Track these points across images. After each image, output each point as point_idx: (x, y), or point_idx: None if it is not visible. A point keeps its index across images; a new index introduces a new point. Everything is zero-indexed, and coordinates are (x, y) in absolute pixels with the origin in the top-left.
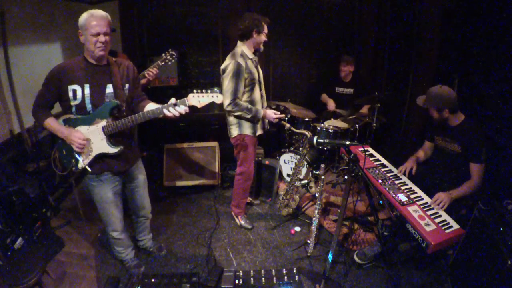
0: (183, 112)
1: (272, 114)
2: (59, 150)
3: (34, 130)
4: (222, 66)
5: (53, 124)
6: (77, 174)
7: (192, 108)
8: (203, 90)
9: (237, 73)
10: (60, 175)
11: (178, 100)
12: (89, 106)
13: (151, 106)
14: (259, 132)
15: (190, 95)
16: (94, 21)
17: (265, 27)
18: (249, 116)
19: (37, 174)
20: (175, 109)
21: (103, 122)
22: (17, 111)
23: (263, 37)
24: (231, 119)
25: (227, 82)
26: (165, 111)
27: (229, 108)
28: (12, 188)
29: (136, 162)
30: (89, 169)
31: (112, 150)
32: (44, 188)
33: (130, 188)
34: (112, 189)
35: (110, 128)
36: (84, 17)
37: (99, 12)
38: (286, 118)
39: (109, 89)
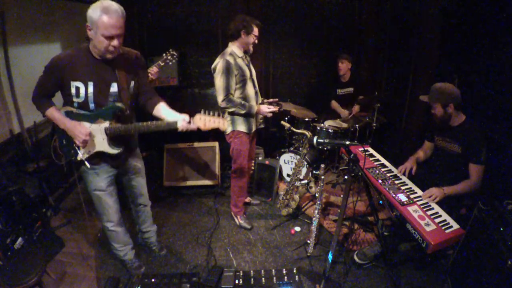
0: (195, 128)
1: (266, 109)
2: (59, 139)
3: (34, 130)
4: (213, 65)
5: (56, 114)
6: (77, 165)
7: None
8: (211, 113)
9: (227, 70)
10: (63, 165)
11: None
12: (92, 105)
13: (164, 108)
14: (254, 128)
15: (197, 116)
16: (109, 20)
17: (255, 29)
18: (243, 112)
19: (37, 174)
20: (189, 125)
21: (106, 124)
22: (17, 111)
23: (251, 39)
24: (225, 116)
25: (218, 80)
26: (179, 125)
27: (223, 105)
28: (12, 188)
29: (134, 152)
30: (88, 165)
31: (112, 151)
32: (44, 188)
33: (128, 177)
34: (106, 179)
35: (112, 130)
36: (97, 12)
37: (115, 8)
38: (286, 119)
39: (114, 88)
